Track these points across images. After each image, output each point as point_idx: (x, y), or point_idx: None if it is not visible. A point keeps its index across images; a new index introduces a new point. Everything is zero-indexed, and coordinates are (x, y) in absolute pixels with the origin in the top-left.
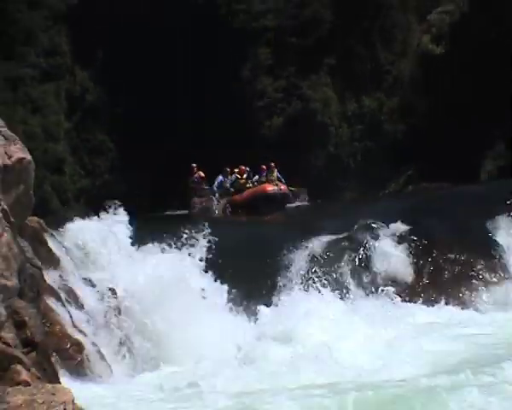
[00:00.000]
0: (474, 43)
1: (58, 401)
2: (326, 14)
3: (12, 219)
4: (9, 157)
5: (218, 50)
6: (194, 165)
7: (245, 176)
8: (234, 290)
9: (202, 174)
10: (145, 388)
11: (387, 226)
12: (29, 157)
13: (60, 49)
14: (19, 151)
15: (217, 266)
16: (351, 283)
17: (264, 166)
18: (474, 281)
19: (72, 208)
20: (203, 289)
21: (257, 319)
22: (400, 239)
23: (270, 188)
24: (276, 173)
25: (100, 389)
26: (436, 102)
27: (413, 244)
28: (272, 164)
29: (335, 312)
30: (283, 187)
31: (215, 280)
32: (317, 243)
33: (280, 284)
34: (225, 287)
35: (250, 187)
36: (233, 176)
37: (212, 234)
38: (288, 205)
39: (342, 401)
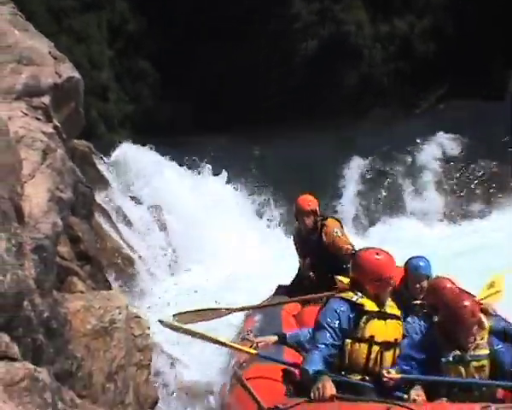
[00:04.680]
0: None
1: (113, 306)
2: None
3: (64, 136)
4: (59, 76)
5: None
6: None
7: None
8: None
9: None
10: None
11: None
12: (78, 76)
13: None
14: (68, 70)
15: None
16: None
17: None
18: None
19: (119, 134)
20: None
21: None
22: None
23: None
24: None
25: (148, 297)
26: (466, 22)
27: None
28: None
29: None
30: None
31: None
32: None
33: None
34: None
35: None
36: None
37: None
38: None
39: None
